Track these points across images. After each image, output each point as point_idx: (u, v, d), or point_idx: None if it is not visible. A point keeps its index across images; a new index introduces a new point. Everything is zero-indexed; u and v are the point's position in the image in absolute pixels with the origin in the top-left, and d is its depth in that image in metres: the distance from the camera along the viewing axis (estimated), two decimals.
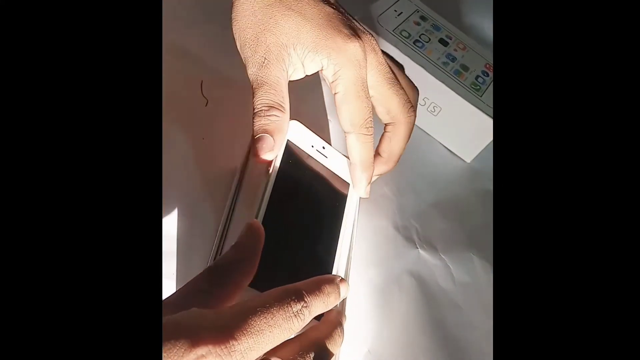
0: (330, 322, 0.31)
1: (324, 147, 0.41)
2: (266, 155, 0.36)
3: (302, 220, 0.38)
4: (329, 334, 0.29)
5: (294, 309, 0.26)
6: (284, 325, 0.25)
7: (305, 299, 0.27)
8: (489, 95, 0.57)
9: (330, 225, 0.39)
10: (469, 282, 0.53)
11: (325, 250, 0.38)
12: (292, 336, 0.27)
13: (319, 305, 0.28)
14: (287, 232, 0.36)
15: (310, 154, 0.40)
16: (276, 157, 0.37)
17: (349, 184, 0.42)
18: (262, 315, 0.24)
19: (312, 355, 0.27)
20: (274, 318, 0.25)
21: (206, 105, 0.52)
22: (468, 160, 0.60)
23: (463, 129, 0.58)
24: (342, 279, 0.32)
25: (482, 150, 0.59)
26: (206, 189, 0.47)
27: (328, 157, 0.41)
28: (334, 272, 0.38)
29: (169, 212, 0.46)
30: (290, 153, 0.38)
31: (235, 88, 0.54)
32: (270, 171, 0.36)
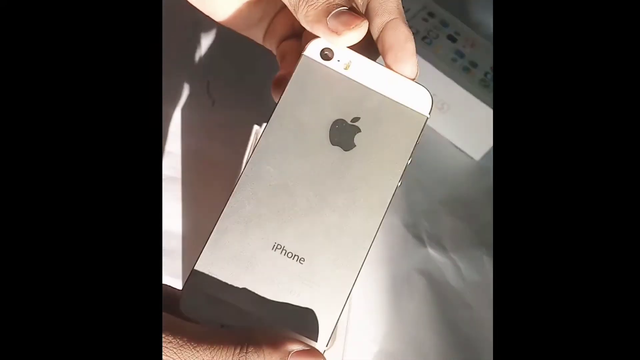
0: None
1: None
2: (357, 29, 0.27)
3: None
4: None
5: None
6: None
7: None
8: None
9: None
10: (479, 280, 0.52)
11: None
12: None
13: None
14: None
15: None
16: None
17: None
18: None
19: None
20: None
21: (212, 105, 0.52)
22: (477, 158, 0.59)
23: (471, 126, 0.57)
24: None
25: (491, 148, 0.58)
26: (211, 189, 0.47)
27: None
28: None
29: (173, 211, 0.46)
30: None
31: (241, 89, 0.54)
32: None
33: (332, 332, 0.25)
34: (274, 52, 0.34)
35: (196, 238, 0.43)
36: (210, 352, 0.22)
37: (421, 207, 0.55)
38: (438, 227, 0.54)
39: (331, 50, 0.28)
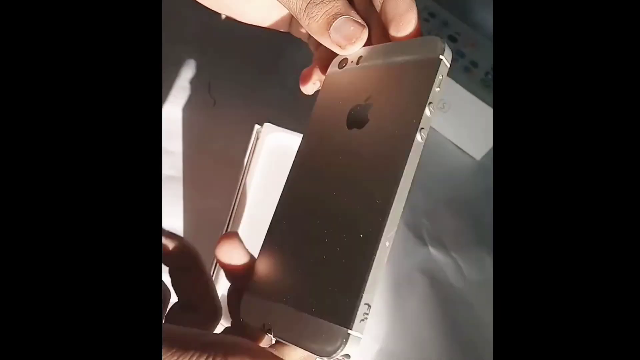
0: None
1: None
2: (358, 41, 0.28)
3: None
4: None
5: None
6: None
7: None
8: None
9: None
10: (480, 279, 0.52)
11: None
12: None
13: None
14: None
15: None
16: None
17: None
18: None
19: None
20: None
21: (214, 105, 0.53)
22: (478, 158, 0.60)
23: (472, 126, 0.57)
24: None
25: (492, 148, 0.58)
26: (213, 186, 0.47)
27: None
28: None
29: (175, 210, 0.46)
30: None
31: (242, 89, 0.54)
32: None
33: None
34: (304, 39, 0.35)
35: (197, 237, 0.43)
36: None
37: (422, 206, 0.55)
38: (439, 227, 0.54)
39: (346, 58, 0.29)
